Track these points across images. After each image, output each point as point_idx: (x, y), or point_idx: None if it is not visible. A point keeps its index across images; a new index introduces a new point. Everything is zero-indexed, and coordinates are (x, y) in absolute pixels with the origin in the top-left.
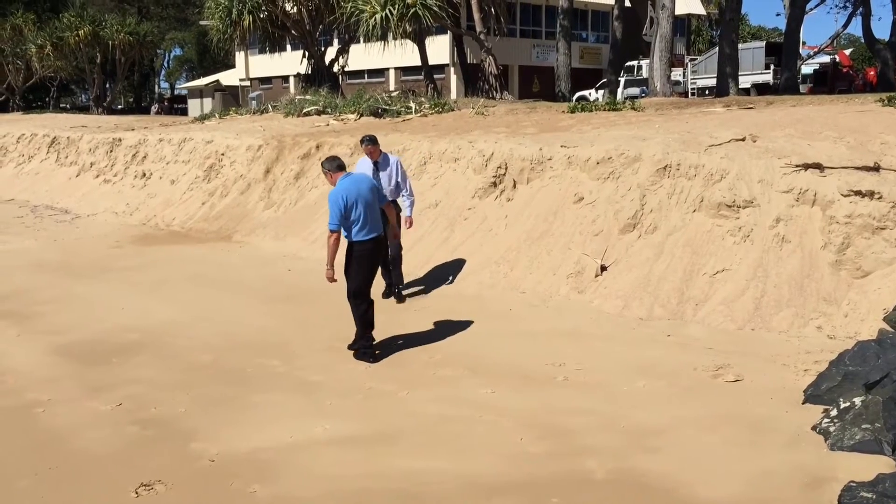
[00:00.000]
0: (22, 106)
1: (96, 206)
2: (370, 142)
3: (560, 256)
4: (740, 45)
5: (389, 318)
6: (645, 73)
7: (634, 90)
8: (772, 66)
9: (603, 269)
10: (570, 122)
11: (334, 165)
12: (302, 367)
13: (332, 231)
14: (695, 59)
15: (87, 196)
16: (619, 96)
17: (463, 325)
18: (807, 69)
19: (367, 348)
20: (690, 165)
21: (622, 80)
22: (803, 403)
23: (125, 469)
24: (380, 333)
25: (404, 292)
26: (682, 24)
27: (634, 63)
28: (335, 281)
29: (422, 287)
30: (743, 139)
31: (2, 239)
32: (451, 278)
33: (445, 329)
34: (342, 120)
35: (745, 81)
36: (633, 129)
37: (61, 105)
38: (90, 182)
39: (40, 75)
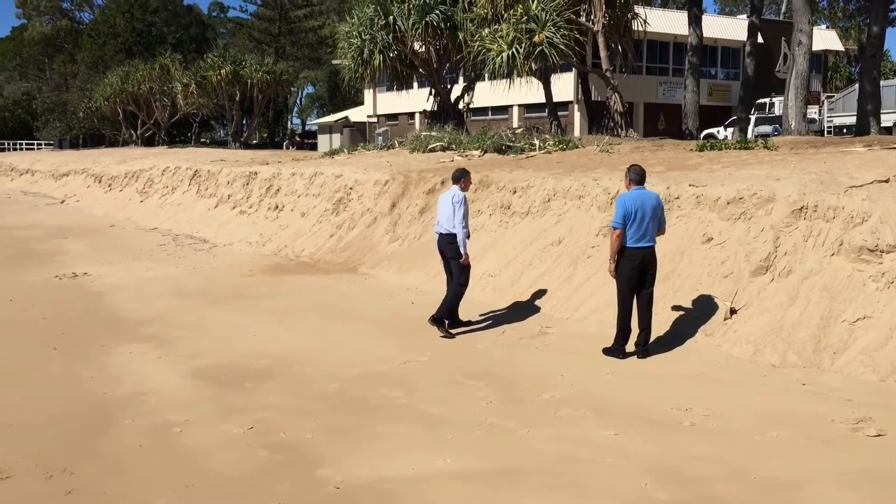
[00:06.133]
0: (166, 140)
1: (232, 236)
2: (462, 174)
3: (687, 297)
4: (882, 82)
5: (509, 354)
6: (777, 111)
7: (766, 128)
8: None
9: (733, 312)
10: (698, 161)
11: (636, 175)
12: (424, 399)
13: (613, 228)
14: (832, 97)
15: (224, 226)
16: (749, 134)
17: (585, 363)
18: None
19: (616, 350)
20: (829, 207)
21: (753, 117)
22: None
23: (255, 492)
24: (499, 369)
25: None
26: (818, 61)
27: (766, 100)
28: (614, 276)
29: (543, 324)
30: (887, 180)
31: (147, 265)
32: (573, 316)
33: (567, 367)
34: (466, 156)
35: (887, 120)
36: (766, 169)
37: (201, 140)
38: (227, 213)
39: (184, 112)
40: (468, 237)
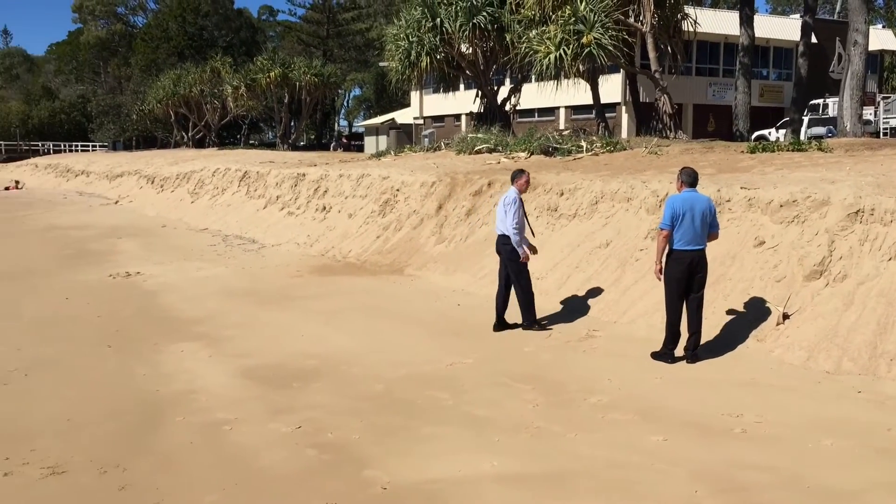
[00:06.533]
0: (216, 142)
1: (280, 236)
2: (518, 174)
3: (738, 302)
4: None
5: (556, 357)
6: (831, 112)
7: (820, 129)
8: None
9: (785, 317)
10: (750, 163)
11: (687, 177)
12: (470, 401)
13: (660, 229)
14: (888, 98)
15: (272, 227)
16: (802, 136)
17: (633, 368)
18: None
19: (665, 354)
20: (886, 210)
21: (806, 118)
22: None
23: (303, 491)
24: (546, 371)
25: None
26: (874, 61)
27: (819, 101)
28: (659, 278)
29: (591, 327)
30: None
31: (197, 265)
32: (621, 319)
33: (614, 371)
34: (513, 158)
35: None
36: (821, 171)
37: (250, 141)
38: (276, 214)
39: (234, 114)
40: (532, 234)
